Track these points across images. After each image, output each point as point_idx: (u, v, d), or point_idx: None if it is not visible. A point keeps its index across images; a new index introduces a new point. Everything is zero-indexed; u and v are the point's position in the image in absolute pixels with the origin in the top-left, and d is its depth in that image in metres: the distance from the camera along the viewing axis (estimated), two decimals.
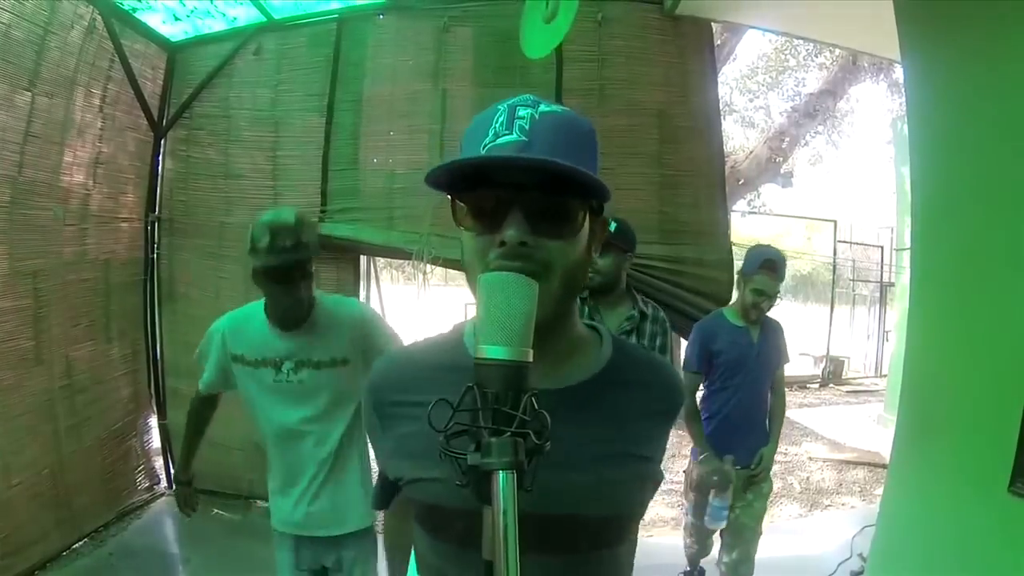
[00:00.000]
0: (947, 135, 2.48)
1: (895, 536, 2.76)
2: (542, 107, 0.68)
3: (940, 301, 2.62)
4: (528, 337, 0.59)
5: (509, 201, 0.66)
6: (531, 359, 0.59)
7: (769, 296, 2.46)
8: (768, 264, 2.44)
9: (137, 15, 3.31)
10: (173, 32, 3.57)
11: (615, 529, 0.77)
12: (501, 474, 0.54)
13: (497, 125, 0.67)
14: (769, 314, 2.57)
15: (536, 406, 0.58)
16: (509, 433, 0.55)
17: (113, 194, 3.27)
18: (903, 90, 2.84)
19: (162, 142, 3.57)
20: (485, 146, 0.66)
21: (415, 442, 0.74)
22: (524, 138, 0.65)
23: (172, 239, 3.62)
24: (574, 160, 0.64)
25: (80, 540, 3.03)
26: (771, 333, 2.61)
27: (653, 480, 0.79)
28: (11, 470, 2.57)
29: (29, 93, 2.57)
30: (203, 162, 3.60)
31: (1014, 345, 2.10)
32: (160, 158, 3.58)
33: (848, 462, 4.95)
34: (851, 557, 3.15)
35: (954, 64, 2.41)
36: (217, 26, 3.76)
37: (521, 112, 0.67)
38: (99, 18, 2.89)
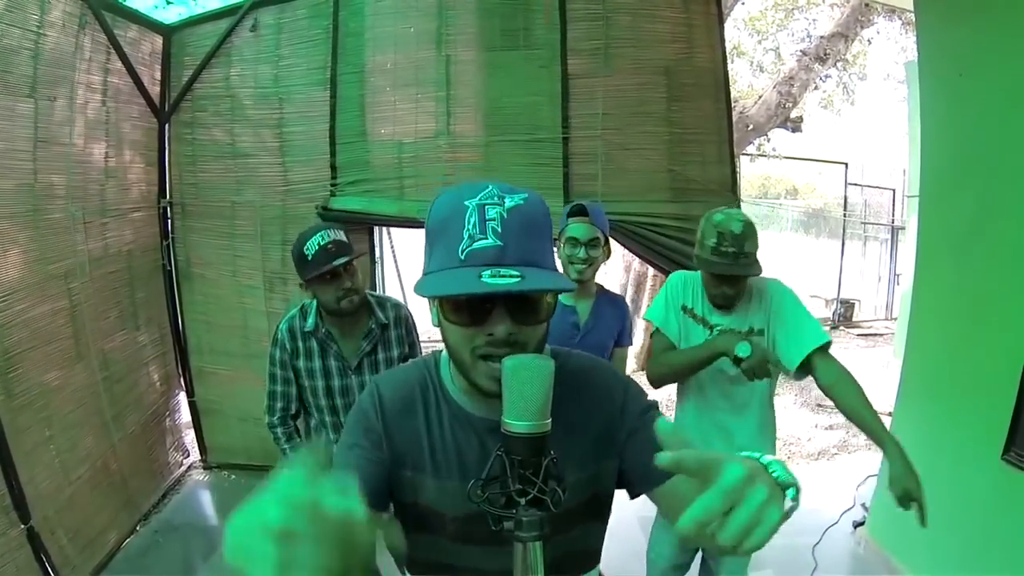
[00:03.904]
0: (958, 90, 2.45)
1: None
2: (507, 201, 0.77)
3: (943, 275, 2.66)
4: (546, 410, 0.70)
5: (492, 301, 0.76)
6: (549, 428, 0.70)
7: (585, 242, 1.97)
8: (576, 209, 2.02)
9: (127, 2, 3.24)
10: (167, 15, 3.50)
11: (576, 516, 0.91)
12: (532, 544, 0.67)
13: (470, 227, 0.75)
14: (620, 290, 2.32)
15: (554, 466, 0.71)
16: (534, 497, 0.69)
17: (126, 185, 3.29)
18: (915, 43, 2.77)
19: (166, 127, 3.56)
20: (463, 251, 0.75)
21: (418, 457, 0.88)
22: (499, 242, 0.75)
23: (185, 222, 3.65)
24: (540, 250, 0.78)
25: (141, 521, 3.20)
26: (605, 310, 2.10)
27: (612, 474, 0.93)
28: (69, 466, 2.69)
29: (32, 99, 2.57)
30: (209, 143, 3.59)
31: (1013, 320, 2.15)
32: (166, 143, 3.57)
33: None
34: (854, 506, 3.22)
35: (967, 21, 2.36)
36: (211, 4, 3.67)
37: (490, 212, 0.76)
38: (90, 12, 2.85)
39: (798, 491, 0.58)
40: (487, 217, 0.75)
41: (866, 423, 1.65)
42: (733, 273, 1.75)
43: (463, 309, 0.78)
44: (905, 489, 1.50)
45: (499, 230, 0.75)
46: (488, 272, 0.72)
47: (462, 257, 0.75)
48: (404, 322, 2.04)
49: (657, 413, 0.93)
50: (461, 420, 0.89)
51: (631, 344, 2.20)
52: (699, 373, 1.86)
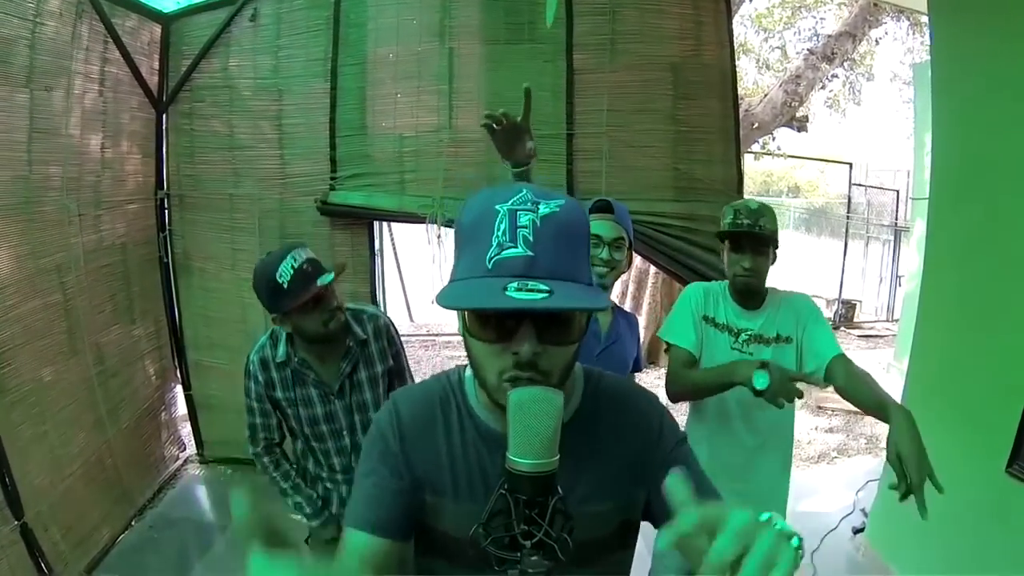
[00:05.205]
0: (971, 96, 2.40)
1: (896, 501, 2.84)
2: (541, 208, 0.70)
3: (951, 283, 2.62)
4: (554, 447, 0.66)
5: (520, 316, 0.70)
6: (557, 466, 0.66)
7: (608, 242, 1.77)
8: (601, 205, 1.82)
9: None
10: (165, 3, 3.44)
11: (604, 547, 0.86)
12: None
13: (500, 234, 0.69)
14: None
15: (562, 505, 0.66)
16: (539, 541, 0.65)
17: (122, 176, 3.23)
18: (928, 46, 2.72)
19: (164, 118, 3.51)
20: (491, 259, 0.69)
21: (438, 479, 0.83)
22: (530, 252, 0.68)
23: (183, 214, 3.60)
24: (574, 262, 0.71)
25: (135, 517, 3.18)
26: (623, 327, 1.92)
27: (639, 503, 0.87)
28: (62, 462, 2.66)
29: (28, 90, 2.52)
30: (208, 135, 3.54)
31: (1021, 330, 2.11)
32: (164, 134, 3.52)
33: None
34: (853, 512, 3.20)
35: (983, 24, 2.31)
36: None
37: (522, 219, 0.69)
38: (87, 1, 2.79)
39: (801, 542, 0.55)
40: (518, 224, 0.69)
41: (870, 398, 1.56)
42: (750, 232, 1.75)
43: (487, 324, 0.72)
44: (899, 453, 1.35)
45: (530, 239, 0.69)
46: (515, 285, 0.66)
47: (489, 266, 0.69)
48: (384, 333, 1.87)
49: (688, 448, 0.89)
50: (486, 437, 0.83)
51: (641, 369, 2.07)
52: (723, 397, 1.77)
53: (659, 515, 0.87)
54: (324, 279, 1.61)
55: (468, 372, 0.88)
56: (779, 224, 1.87)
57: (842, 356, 1.75)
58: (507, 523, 0.66)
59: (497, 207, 0.71)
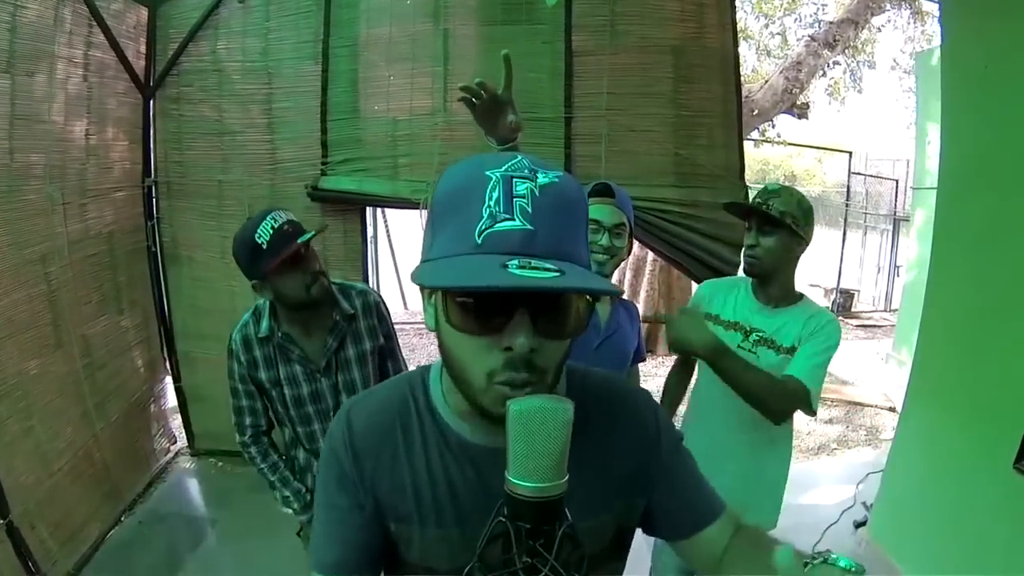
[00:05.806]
0: (983, 83, 2.33)
1: (900, 495, 2.81)
2: (540, 178, 0.60)
3: (959, 275, 2.56)
4: (563, 467, 0.56)
5: (513, 303, 0.58)
6: (565, 488, 0.56)
7: (609, 228, 1.67)
8: (601, 188, 1.71)
9: None
10: None
11: (600, 561, 0.77)
12: None
13: (492, 203, 0.58)
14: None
15: (572, 533, 0.58)
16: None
17: (108, 163, 3.14)
18: (938, 32, 2.65)
19: (151, 103, 3.41)
20: (481, 232, 0.58)
21: (399, 503, 0.72)
22: (529, 226, 0.57)
23: (171, 202, 3.51)
24: (576, 242, 0.61)
25: (125, 512, 3.11)
26: (623, 317, 1.82)
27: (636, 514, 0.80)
28: (49, 457, 2.59)
29: (8, 75, 2.43)
30: (196, 120, 3.44)
31: None
32: (151, 120, 3.42)
33: (856, 403, 4.97)
34: (855, 505, 3.17)
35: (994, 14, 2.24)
36: None
37: (519, 187, 0.59)
38: None
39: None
40: (515, 193, 0.58)
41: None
42: (756, 209, 1.68)
43: (474, 312, 0.59)
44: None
45: (529, 210, 0.57)
46: (515, 262, 0.54)
47: (478, 240, 0.57)
48: (374, 310, 1.79)
49: (686, 451, 0.81)
50: (454, 450, 0.71)
51: (644, 359, 1.98)
52: (712, 394, 1.69)
53: (655, 524, 0.80)
54: (304, 237, 1.57)
55: (434, 372, 0.75)
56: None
57: (793, 379, 1.55)
58: (507, 557, 0.58)
59: (488, 173, 0.60)
